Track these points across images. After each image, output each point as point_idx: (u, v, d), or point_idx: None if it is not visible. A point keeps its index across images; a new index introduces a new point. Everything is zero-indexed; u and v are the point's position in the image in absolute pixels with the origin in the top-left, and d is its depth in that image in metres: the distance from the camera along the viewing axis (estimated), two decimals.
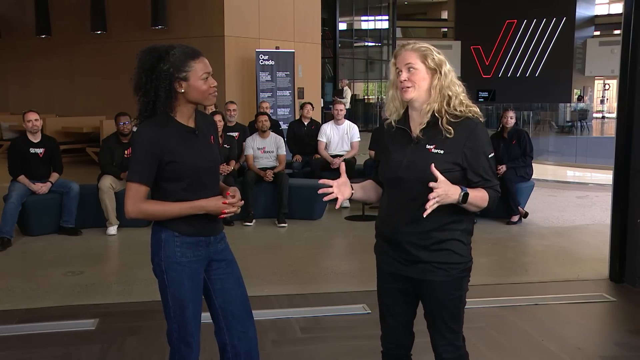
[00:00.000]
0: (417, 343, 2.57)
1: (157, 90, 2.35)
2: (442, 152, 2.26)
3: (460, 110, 2.29)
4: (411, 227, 2.30)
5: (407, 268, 2.36)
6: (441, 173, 2.20)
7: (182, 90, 2.38)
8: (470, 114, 2.29)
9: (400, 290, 2.43)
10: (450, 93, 2.29)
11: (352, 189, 2.43)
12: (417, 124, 2.33)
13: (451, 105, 2.28)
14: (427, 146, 2.28)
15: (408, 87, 2.29)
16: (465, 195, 2.20)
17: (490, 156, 2.30)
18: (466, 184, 2.27)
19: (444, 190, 2.15)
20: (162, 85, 2.34)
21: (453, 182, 2.23)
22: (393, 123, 2.40)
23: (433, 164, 2.19)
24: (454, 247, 2.31)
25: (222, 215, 2.46)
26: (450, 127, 2.26)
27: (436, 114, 2.28)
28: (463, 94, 2.33)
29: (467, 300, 2.42)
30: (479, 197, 2.26)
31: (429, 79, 2.29)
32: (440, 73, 2.29)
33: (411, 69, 2.28)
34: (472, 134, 2.27)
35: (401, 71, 2.30)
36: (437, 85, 2.28)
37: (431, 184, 2.15)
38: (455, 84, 2.31)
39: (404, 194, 2.29)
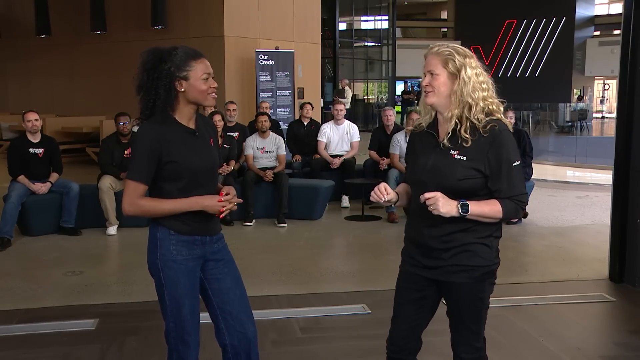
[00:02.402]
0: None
1: (157, 88, 2.37)
2: (464, 158, 2.25)
3: (480, 119, 2.25)
4: (434, 230, 2.31)
5: (431, 270, 2.36)
6: (463, 180, 2.23)
7: (183, 90, 2.39)
8: (494, 123, 2.24)
9: (418, 292, 2.43)
10: (470, 101, 2.25)
11: (397, 196, 2.45)
12: (444, 129, 2.33)
13: (472, 113, 2.25)
14: (451, 152, 2.27)
15: (429, 92, 2.30)
16: (464, 205, 2.20)
17: (515, 164, 2.24)
18: (488, 192, 2.26)
19: (439, 198, 2.19)
20: (162, 83, 2.37)
21: (475, 188, 2.24)
22: (424, 124, 2.41)
23: (423, 195, 2.22)
24: (476, 250, 2.29)
25: (221, 215, 2.47)
26: (468, 136, 2.24)
27: (457, 120, 2.27)
28: (488, 100, 2.28)
29: None
30: (486, 209, 2.23)
31: (450, 84, 2.28)
32: (460, 79, 2.26)
33: (433, 74, 2.28)
34: (496, 140, 2.23)
35: (425, 75, 2.31)
36: (457, 91, 2.26)
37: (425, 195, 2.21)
38: (477, 90, 2.26)
39: None
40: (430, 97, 2.30)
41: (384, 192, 2.35)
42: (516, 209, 2.27)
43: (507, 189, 2.25)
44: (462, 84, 2.26)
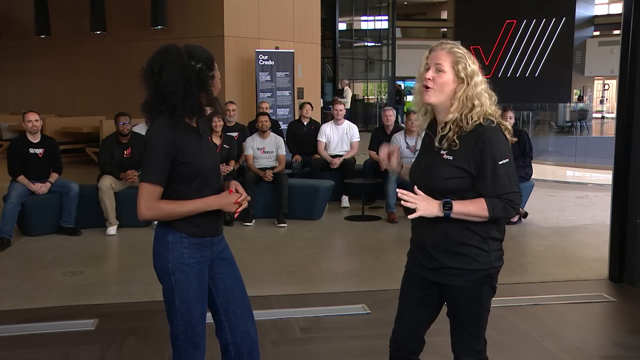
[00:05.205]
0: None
1: (201, 87, 2.36)
2: (451, 157, 2.24)
3: (474, 121, 2.22)
4: (431, 231, 2.30)
5: (431, 272, 2.36)
6: (449, 179, 2.22)
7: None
8: (480, 123, 2.22)
9: (421, 292, 2.43)
10: (476, 102, 2.22)
11: (402, 166, 2.56)
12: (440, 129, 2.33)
13: (470, 115, 2.22)
14: (441, 152, 2.27)
15: (428, 89, 2.25)
16: (447, 203, 2.19)
17: (502, 163, 2.20)
18: (477, 193, 2.24)
19: (420, 200, 2.21)
20: (206, 82, 2.37)
21: (461, 188, 2.23)
22: (425, 125, 2.41)
23: (399, 190, 2.25)
24: (472, 253, 2.27)
25: (236, 214, 2.48)
26: (457, 141, 2.23)
27: (451, 124, 2.25)
28: (491, 108, 2.25)
29: None
30: (471, 208, 2.20)
31: (454, 86, 2.24)
32: (468, 84, 2.23)
33: (439, 71, 2.24)
34: (480, 138, 2.21)
35: (429, 67, 2.26)
36: (462, 96, 2.23)
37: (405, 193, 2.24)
38: (483, 95, 2.24)
39: None
40: (430, 94, 2.26)
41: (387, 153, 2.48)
42: (504, 208, 2.21)
43: (492, 188, 2.20)
44: (471, 89, 2.23)
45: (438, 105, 2.29)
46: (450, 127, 2.25)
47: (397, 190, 2.25)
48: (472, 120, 2.23)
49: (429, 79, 2.25)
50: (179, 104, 2.33)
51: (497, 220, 2.27)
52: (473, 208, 2.21)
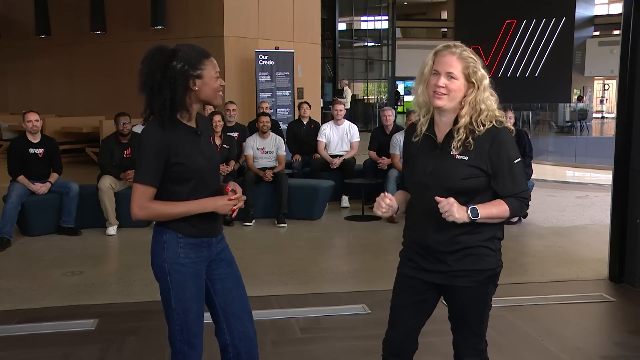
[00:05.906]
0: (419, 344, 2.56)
1: (174, 88, 2.33)
2: (466, 158, 2.24)
3: (485, 124, 2.24)
4: (438, 233, 2.29)
5: (433, 274, 2.35)
6: (467, 179, 2.23)
7: (196, 88, 2.38)
8: (494, 123, 2.25)
9: (417, 296, 2.41)
10: (483, 107, 2.24)
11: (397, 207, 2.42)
12: (442, 131, 2.31)
13: (480, 119, 2.24)
14: (452, 153, 2.26)
15: (443, 95, 2.24)
16: (474, 209, 2.19)
17: (516, 162, 2.25)
18: (492, 192, 2.26)
19: (454, 204, 2.18)
20: (179, 83, 2.33)
21: (478, 187, 2.24)
22: (422, 127, 2.35)
23: (437, 196, 2.20)
24: (480, 254, 2.29)
25: (234, 214, 2.48)
26: (472, 141, 2.23)
27: (462, 127, 2.25)
28: (497, 111, 2.27)
29: None
30: (494, 211, 2.23)
31: (464, 90, 2.25)
32: (479, 88, 2.25)
33: (451, 78, 2.23)
34: (496, 139, 2.23)
35: (439, 74, 2.24)
36: (472, 100, 2.24)
37: (437, 198, 2.19)
38: (489, 99, 2.26)
39: (431, 200, 2.23)
40: (444, 99, 2.24)
41: (385, 199, 2.33)
42: (521, 206, 2.27)
43: (511, 187, 2.25)
44: (481, 93, 2.24)
45: (448, 109, 2.28)
46: (462, 130, 2.26)
47: (435, 198, 2.20)
48: (483, 124, 2.24)
49: (442, 86, 2.24)
50: (156, 106, 2.33)
51: (506, 220, 2.30)
52: (496, 210, 2.24)
